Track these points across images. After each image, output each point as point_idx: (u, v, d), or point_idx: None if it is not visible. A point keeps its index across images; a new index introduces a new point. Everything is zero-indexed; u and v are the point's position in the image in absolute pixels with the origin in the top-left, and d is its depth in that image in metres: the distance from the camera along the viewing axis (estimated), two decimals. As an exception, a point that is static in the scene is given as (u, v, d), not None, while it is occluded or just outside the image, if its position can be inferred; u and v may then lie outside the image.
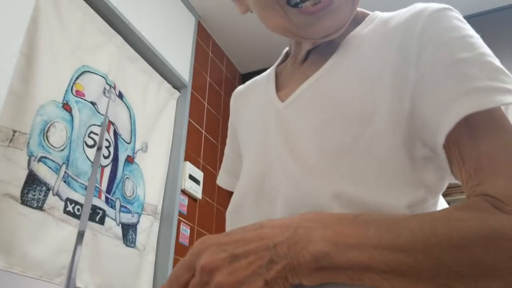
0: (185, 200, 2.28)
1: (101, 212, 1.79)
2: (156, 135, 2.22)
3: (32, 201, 1.47)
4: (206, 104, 2.69)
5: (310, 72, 0.65)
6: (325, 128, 0.57)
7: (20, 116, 1.48)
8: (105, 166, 1.87)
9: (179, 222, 2.18)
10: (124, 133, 2.02)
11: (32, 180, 1.48)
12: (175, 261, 2.08)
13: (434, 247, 0.41)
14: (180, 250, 2.14)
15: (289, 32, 0.61)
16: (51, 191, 1.55)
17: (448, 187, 0.55)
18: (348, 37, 0.63)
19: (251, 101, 0.76)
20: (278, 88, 0.70)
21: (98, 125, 1.84)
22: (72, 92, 1.72)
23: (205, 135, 2.61)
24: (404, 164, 0.51)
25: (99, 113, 1.85)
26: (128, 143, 2.03)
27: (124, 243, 1.88)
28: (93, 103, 1.82)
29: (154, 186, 2.12)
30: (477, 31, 0.55)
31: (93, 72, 1.86)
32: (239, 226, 0.64)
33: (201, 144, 2.55)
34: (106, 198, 1.84)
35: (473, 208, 0.43)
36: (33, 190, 1.48)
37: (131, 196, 1.97)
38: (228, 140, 0.85)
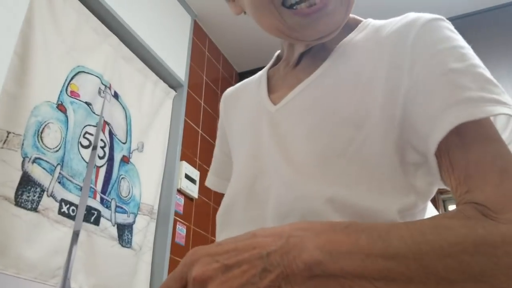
0: (181, 200, 2.27)
1: (96, 212, 1.79)
2: (152, 134, 2.22)
3: (27, 203, 1.46)
4: (202, 103, 2.68)
5: (303, 76, 0.65)
6: (318, 132, 0.58)
7: (14, 117, 1.47)
8: (100, 167, 1.87)
9: (175, 221, 2.18)
10: (120, 133, 2.01)
11: (27, 182, 1.47)
12: (172, 260, 2.08)
13: (425, 255, 0.41)
14: (177, 249, 2.14)
15: (283, 34, 0.61)
16: (45, 192, 1.54)
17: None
18: (341, 43, 0.64)
19: (241, 103, 0.76)
20: (270, 91, 0.70)
21: (93, 126, 1.83)
22: (66, 93, 1.72)
23: (202, 134, 2.61)
24: (395, 169, 0.52)
25: (94, 113, 1.85)
26: (124, 143, 2.03)
27: (120, 243, 1.87)
28: (88, 104, 1.81)
29: (150, 186, 2.12)
30: (473, 30, 0.56)
31: (88, 73, 1.85)
32: (230, 228, 0.64)
33: (197, 143, 2.54)
34: (101, 199, 1.83)
35: (462, 216, 0.44)
36: (27, 191, 1.47)
37: (127, 196, 1.97)
38: (217, 142, 0.86)
